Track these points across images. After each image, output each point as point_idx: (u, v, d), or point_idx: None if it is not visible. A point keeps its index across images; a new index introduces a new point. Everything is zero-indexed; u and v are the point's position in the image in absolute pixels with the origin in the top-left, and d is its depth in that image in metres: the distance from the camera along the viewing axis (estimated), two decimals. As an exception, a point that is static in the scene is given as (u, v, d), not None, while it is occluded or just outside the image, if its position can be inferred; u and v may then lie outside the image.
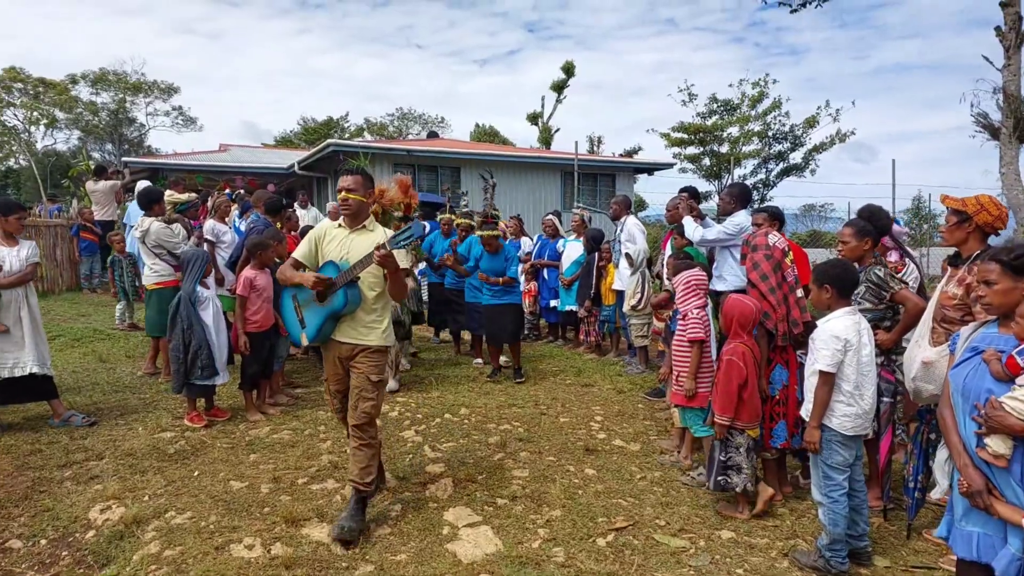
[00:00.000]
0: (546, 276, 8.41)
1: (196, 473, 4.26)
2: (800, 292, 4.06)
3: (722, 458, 3.77)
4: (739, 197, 5.35)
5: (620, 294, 7.04)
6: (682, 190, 6.22)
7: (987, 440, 2.29)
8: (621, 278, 6.98)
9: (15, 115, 30.92)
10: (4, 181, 34.31)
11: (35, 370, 4.81)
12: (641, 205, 25.72)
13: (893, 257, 5.09)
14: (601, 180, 22.02)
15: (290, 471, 4.29)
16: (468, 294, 7.26)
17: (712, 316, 4.61)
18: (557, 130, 31.94)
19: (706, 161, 18.70)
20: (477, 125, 44.32)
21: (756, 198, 18.30)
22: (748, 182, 18.34)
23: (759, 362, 3.80)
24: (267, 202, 6.29)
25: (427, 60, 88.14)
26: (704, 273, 4.54)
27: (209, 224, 7.10)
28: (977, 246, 3.31)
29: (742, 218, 5.17)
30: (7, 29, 57.44)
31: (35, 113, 30.42)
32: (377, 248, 3.13)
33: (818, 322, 3.30)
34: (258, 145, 36.14)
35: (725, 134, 18.21)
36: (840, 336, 3.13)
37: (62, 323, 8.88)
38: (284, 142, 41.10)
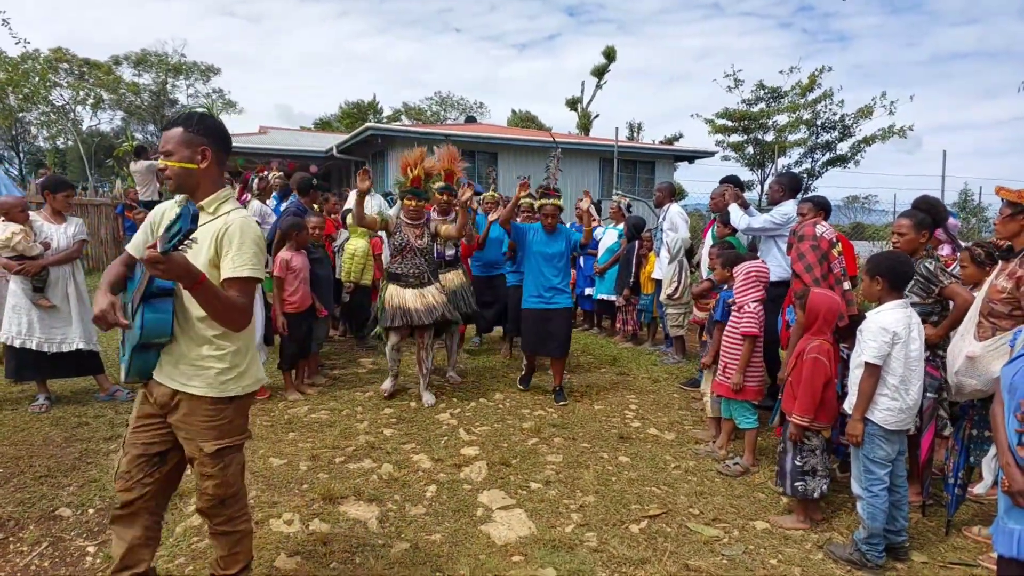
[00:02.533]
0: (582, 264, 8.36)
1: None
2: (847, 284, 3.97)
3: (798, 463, 3.53)
4: (789, 186, 5.24)
5: (659, 283, 6.96)
6: (724, 179, 6.11)
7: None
8: (661, 267, 6.90)
9: (61, 95, 31.76)
10: (52, 161, 35.41)
11: (81, 346, 4.98)
12: (680, 193, 25.39)
13: (945, 251, 4.94)
14: (640, 167, 21.82)
15: (328, 450, 4.36)
16: (511, 279, 6.64)
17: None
18: (596, 116, 31.63)
19: (749, 149, 18.29)
20: (514, 111, 44.23)
21: (802, 189, 17.88)
22: (794, 171, 17.93)
23: (836, 360, 3.63)
24: (297, 182, 6.33)
25: (466, 44, 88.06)
26: (765, 266, 4.41)
27: (255, 205, 7.22)
28: None
29: (789, 207, 5.05)
30: (52, 11, 58.96)
31: (81, 93, 31.19)
32: (148, 247, 1.92)
33: (868, 314, 3.21)
34: (297, 128, 36.65)
35: (771, 122, 17.77)
36: (889, 328, 3.05)
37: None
38: (323, 126, 41.55)
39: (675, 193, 7.16)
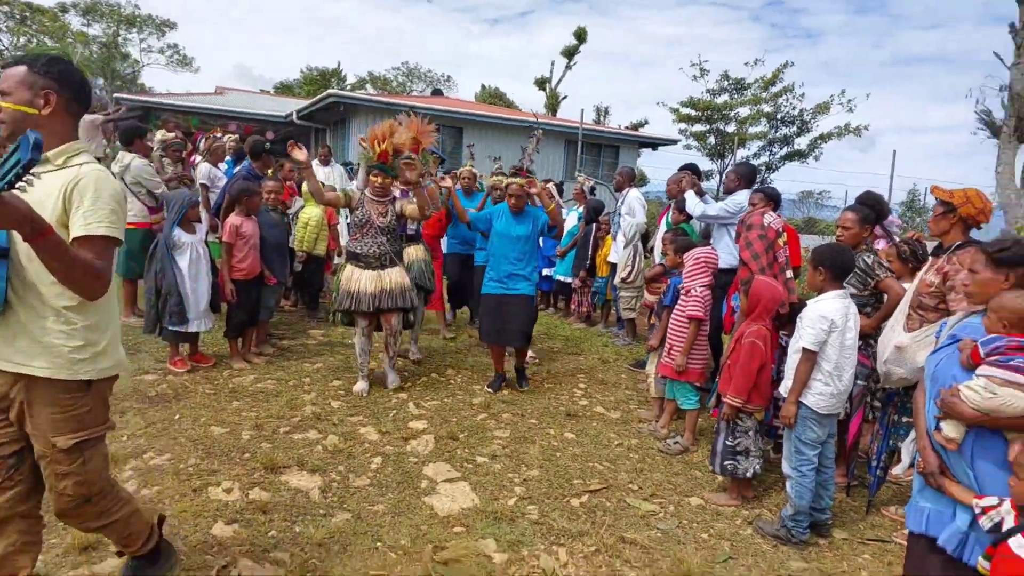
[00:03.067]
0: (541, 244, 8.37)
1: (177, 416, 4.29)
2: (789, 273, 4.09)
3: (729, 443, 3.66)
4: (745, 176, 5.35)
5: (614, 266, 7.04)
6: (683, 167, 6.20)
7: (942, 424, 2.34)
8: (616, 251, 6.98)
9: (15, 38, 30.15)
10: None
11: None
12: (643, 179, 25.62)
13: (881, 245, 5.12)
14: (605, 151, 21.87)
15: (272, 419, 4.32)
16: (479, 258, 6.40)
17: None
18: (564, 97, 31.60)
19: (711, 139, 18.56)
20: (483, 86, 43.74)
21: (757, 180, 18.29)
22: (753, 163, 18.32)
23: (774, 346, 3.76)
24: (250, 145, 6.16)
25: (438, 15, 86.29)
26: (715, 253, 4.52)
27: (204, 167, 7.02)
28: (959, 237, 3.33)
29: (743, 197, 5.16)
30: None
31: (22, 39, 29.62)
32: None
33: (808, 302, 3.33)
34: (256, 91, 35.56)
35: (733, 113, 18.06)
36: (828, 317, 3.16)
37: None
38: (284, 90, 40.38)
39: (635, 178, 7.23)
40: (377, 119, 17.77)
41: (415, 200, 4.83)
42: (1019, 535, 1.99)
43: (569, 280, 7.81)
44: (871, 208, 3.98)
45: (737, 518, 3.55)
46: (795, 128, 17.79)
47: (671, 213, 6.10)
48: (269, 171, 6.39)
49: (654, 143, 23.35)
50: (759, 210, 4.17)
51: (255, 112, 20.02)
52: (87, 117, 10.25)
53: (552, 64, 30.69)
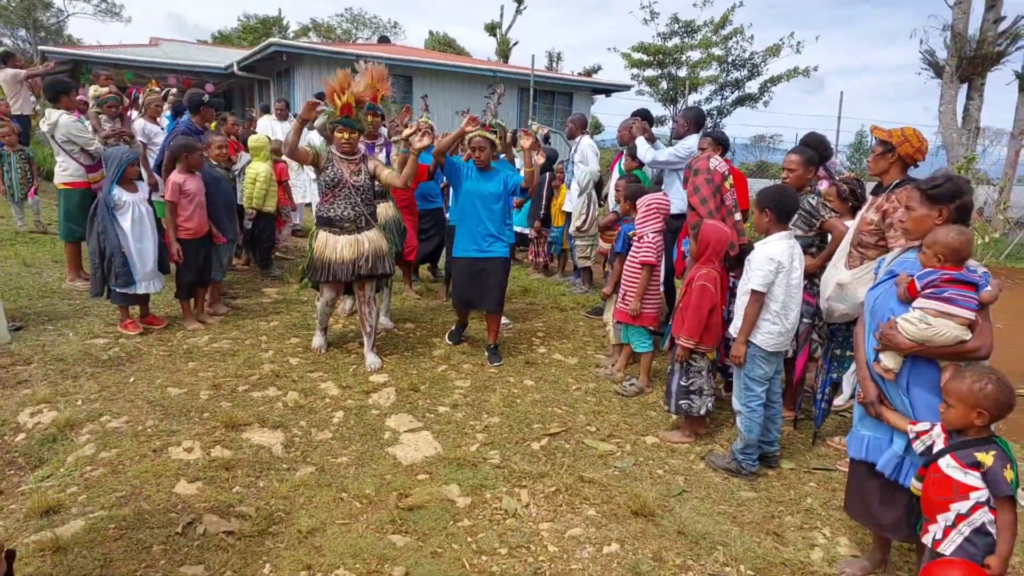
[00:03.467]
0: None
1: (131, 379, 4.21)
2: (738, 216, 4.18)
3: (683, 383, 3.79)
4: (693, 120, 5.37)
5: (569, 215, 7.07)
6: (635, 113, 6.19)
7: (881, 355, 2.48)
8: (571, 199, 6.99)
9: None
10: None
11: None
12: (597, 127, 25.49)
13: (824, 186, 5.27)
14: (559, 99, 21.63)
15: (230, 379, 4.28)
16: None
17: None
18: (515, 43, 30.95)
19: (663, 85, 18.53)
20: (431, 33, 42.47)
21: (709, 125, 18.41)
22: (706, 107, 18.39)
23: (724, 288, 3.86)
24: (188, 99, 5.90)
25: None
26: (666, 199, 4.57)
27: (140, 123, 6.70)
28: (897, 176, 3.45)
29: (693, 142, 5.20)
30: None
31: None
32: None
33: (756, 244, 3.42)
34: (193, 41, 33.79)
35: (684, 57, 18.01)
36: (775, 258, 3.26)
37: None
38: (222, 40, 38.48)
39: (587, 125, 7.20)
40: (323, 69, 17.22)
41: (395, 164, 4.63)
42: (948, 456, 2.15)
43: (525, 231, 7.82)
44: (814, 150, 4.07)
45: (691, 454, 3.71)
46: (746, 72, 17.89)
47: (623, 160, 6.13)
48: (212, 125, 6.15)
49: (607, 89, 23.17)
50: (705, 155, 4.22)
51: (193, 64, 19.08)
52: (9, 71, 9.67)
53: (502, 9, 29.94)
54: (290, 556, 2.63)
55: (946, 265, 2.36)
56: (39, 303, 5.67)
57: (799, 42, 17.54)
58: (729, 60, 17.57)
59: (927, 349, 2.37)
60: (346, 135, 4.43)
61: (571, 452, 3.64)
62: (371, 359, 4.63)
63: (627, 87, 21.49)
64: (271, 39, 18.11)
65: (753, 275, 3.30)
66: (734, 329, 3.46)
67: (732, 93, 18.27)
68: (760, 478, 3.50)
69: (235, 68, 18.37)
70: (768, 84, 17.73)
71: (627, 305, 4.47)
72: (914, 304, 2.39)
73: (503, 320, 5.33)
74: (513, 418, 3.98)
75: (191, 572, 2.52)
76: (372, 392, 4.21)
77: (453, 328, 5.27)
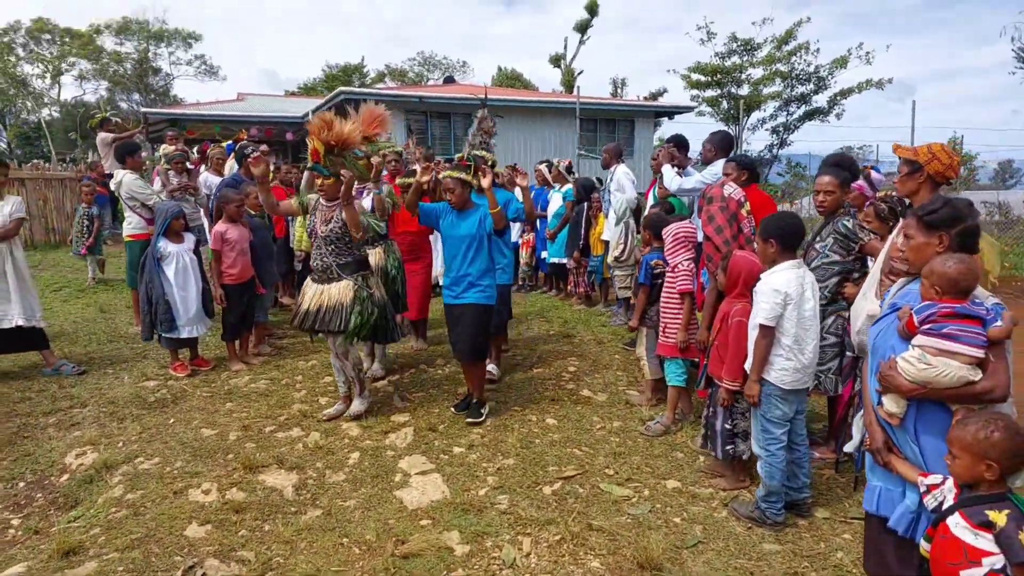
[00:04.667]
0: (538, 226, 8.37)
1: (171, 421, 4.43)
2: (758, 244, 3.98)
3: (728, 426, 3.55)
4: (720, 145, 5.21)
5: (608, 244, 6.97)
6: (669, 139, 6.08)
7: (883, 398, 2.27)
8: (610, 228, 6.91)
9: (46, 67, 31.20)
10: (35, 133, 34.80)
11: (21, 322, 5.00)
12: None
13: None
14: (621, 125, 21.54)
15: (260, 419, 4.43)
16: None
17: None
18: (580, 72, 31.15)
19: (724, 104, 18.08)
20: (500, 69, 43.43)
21: (776, 141, 17.78)
22: (768, 125, 17.83)
23: None
24: (237, 153, 6.26)
25: (454, 2, 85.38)
26: (692, 226, 4.43)
27: (204, 176, 7.18)
28: (927, 196, 3.18)
29: (720, 167, 5.03)
30: None
31: (64, 64, 30.71)
32: None
33: (762, 275, 3.24)
34: (280, 94, 35.97)
35: (744, 75, 17.56)
36: (780, 290, 3.08)
37: (69, 275, 9.15)
38: (307, 90, 40.81)
39: (621, 154, 7.12)
40: (388, 112, 17.89)
41: (367, 204, 4.51)
42: (956, 514, 1.92)
43: (564, 261, 7.77)
44: (847, 169, 3.84)
45: (713, 500, 3.51)
46: (812, 86, 17.19)
47: (657, 187, 6.00)
48: (269, 175, 6.51)
49: (669, 112, 22.93)
50: (720, 182, 4.06)
51: (274, 115, 20.31)
52: (104, 135, 10.61)
53: (566, 40, 30.08)
54: (279, 604, 2.66)
55: (945, 298, 2.15)
56: (107, 347, 6.10)
57: (868, 52, 16.76)
58: (793, 75, 16.95)
59: (931, 391, 2.15)
60: (319, 181, 4.33)
61: (584, 497, 3.52)
62: (355, 404, 4.51)
63: (688, 108, 21.17)
64: (340, 88, 19.04)
65: (759, 308, 3.12)
66: (747, 366, 3.27)
67: (798, 108, 17.60)
68: (788, 528, 3.25)
69: (310, 116, 19.41)
70: (838, 97, 16.96)
71: (672, 338, 4.30)
72: (913, 342, 2.19)
73: (490, 368, 5.04)
74: (528, 460, 3.90)
75: (182, 618, 2.58)
76: (391, 432, 4.25)
77: (462, 400, 4.72)
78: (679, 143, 5.91)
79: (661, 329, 4.42)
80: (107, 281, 8.87)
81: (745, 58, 17.38)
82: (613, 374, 5.41)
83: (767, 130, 17.70)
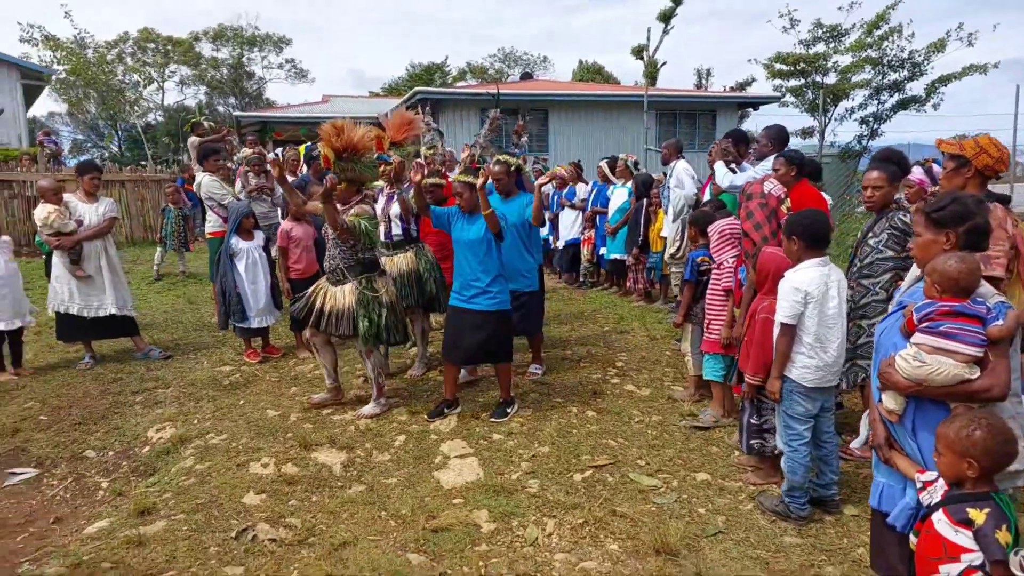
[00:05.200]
0: (598, 222, 8.44)
1: (241, 402, 4.86)
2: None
3: (754, 421, 3.59)
4: (776, 140, 5.12)
5: (667, 241, 6.97)
6: (728, 134, 6.01)
7: (883, 395, 2.28)
8: (668, 224, 6.90)
9: (150, 74, 33.69)
10: (147, 136, 37.68)
11: (114, 311, 5.60)
12: (755, 142, 24.30)
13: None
14: (702, 118, 21.07)
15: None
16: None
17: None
18: (663, 64, 30.47)
19: (809, 94, 17.34)
20: (580, 62, 43.25)
21: (866, 132, 16.84)
22: (857, 115, 16.92)
23: None
24: (305, 153, 6.68)
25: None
26: (737, 222, 4.44)
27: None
28: (976, 191, 3.09)
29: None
30: None
31: (166, 70, 33.11)
32: None
33: (786, 273, 3.25)
34: (364, 94, 37.33)
35: (831, 63, 16.77)
36: (801, 288, 3.08)
37: (164, 270, 9.97)
38: (391, 90, 42.11)
39: (682, 149, 7.07)
40: (464, 111, 18.33)
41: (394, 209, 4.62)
42: (940, 511, 1.95)
43: (623, 258, 7.81)
44: (895, 164, 3.75)
45: (741, 494, 3.54)
46: (905, 72, 16.17)
47: (712, 184, 5.96)
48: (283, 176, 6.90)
49: (752, 102, 22.17)
50: (760, 179, 4.04)
51: (356, 115, 21.17)
52: (193, 139, 11.49)
53: (648, 31, 29.54)
54: (317, 565, 2.93)
55: (945, 296, 2.14)
56: (191, 335, 6.69)
57: (971, 33, 15.62)
58: (885, 61, 16.01)
59: (927, 389, 2.16)
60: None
61: (612, 485, 3.63)
62: (367, 408, 4.57)
63: (771, 99, 20.38)
64: (416, 88, 19.62)
65: (780, 306, 3.14)
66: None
67: (890, 96, 16.63)
68: (813, 523, 3.25)
69: (388, 115, 20.11)
70: (936, 84, 15.88)
71: (716, 334, 4.33)
72: (911, 340, 2.19)
73: (532, 370, 5.15)
74: (563, 448, 4.05)
75: (232, 572, 2.91)
76: (437, 417, 4.49)
77: (434, 407, 4.59)
78: (738, 138, 5.84)
79: (705, 325, 4.44)
80: (195, 275, 9.64)
81: (831, 45, 16.60)
82: (661, 370, 5.45)
83: (855, 120, 16.81)
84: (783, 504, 3.29)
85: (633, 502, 3.46)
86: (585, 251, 8.91)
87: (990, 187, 3.31)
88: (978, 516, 1.85)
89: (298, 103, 27.80)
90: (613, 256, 8.07)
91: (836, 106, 16.47)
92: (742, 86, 28.59)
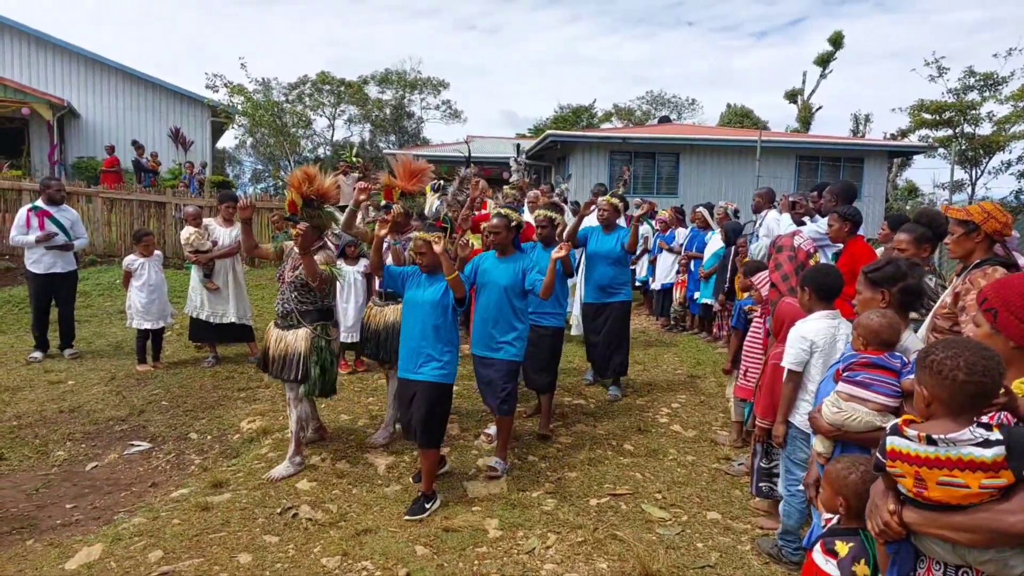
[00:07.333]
0: (692, 268, 8.49)
1: (323, 405, 5.50)
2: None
3: (763, 465, 3.72)
4: (841, 196, 5.10)
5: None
6: (813, 187, 5.99)
7: (813, 439, 2.39)
8: (751, 273, 6.87)
9: (323, 113, 37.68)
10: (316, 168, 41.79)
11: (234, 319, 6.55)
12: (913, 191, 22.73)
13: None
14: (847, 165, 20.11)
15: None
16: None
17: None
18: (819, 108, 29.37)
19: (958, 145, 16.02)
20: (729, 106, 42.45)
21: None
22: (1015, 169, 15.42)
23: None
24: None
25: (697, 37, 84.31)
26: None
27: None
28: (983, 255, 3.05)
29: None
30: (330, 36, 68.73)
31: (337, 110, 37.01)
32: None
33: (796, 322, 3.33)
34: (508, 135, 39.08)
35: (984, 113, 15.47)
36: (807, 337, 3.17)
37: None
38: (538, 131, 43.67)
39: (774, 199, 7.05)
40: (592, 153, 18.90)
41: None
42: (818, 542, 2.07)
43: (711, 303, 7.81)
44: (926, 226, 3.71)
45: (744, 535, 3.59)
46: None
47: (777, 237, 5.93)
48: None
49: (902, 152, 20.83)
50: (791, 232, 4.09)
51: (494, 156, 22.51)
52: (339, 178, 12.83)
53: (804, 75, 28.38)
54: (338, 544, 3.39)
55: (868, 349, 2.25)
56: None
57: None
58: (1047, 111, 14.55)
59: (847, 435, 2.26)
60: (293, 231, 4.07)
61: (624, 513, 3.80)
62: (279, 467, 4.21)
63: (921, 149, 19.07)
64: (547, 132, 20.51)
65: (786, 353, 3.23)
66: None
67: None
68: (812, 572, 3.25)
69: (524, 157, 21.20)
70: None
71: (750, 382, 4.42)
72: (836, 388, 2.31)
73: (492, 463, 4.27)
74: (590, 475, 4.26)
75: (270, 540, 3.44)
76: (480, 435, 4.86)
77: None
78: (839, 192, 5.79)
79: (742, 373, 4.50)
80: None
81: (986, 94, 15.32)
82: (714, 415, 5.47)
83: (1012, 175, 15.32)
84: (776, 547, 3.33)
85: (637, 530, 3.62)
86: (677, 294, 8.96)
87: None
88: (842, 548, 2.00)
89: (450, 142, 29.74)
90: (704, 301, 8.09)
91: (991, 158, 15.10)
92: (904, 133, 26.88)
